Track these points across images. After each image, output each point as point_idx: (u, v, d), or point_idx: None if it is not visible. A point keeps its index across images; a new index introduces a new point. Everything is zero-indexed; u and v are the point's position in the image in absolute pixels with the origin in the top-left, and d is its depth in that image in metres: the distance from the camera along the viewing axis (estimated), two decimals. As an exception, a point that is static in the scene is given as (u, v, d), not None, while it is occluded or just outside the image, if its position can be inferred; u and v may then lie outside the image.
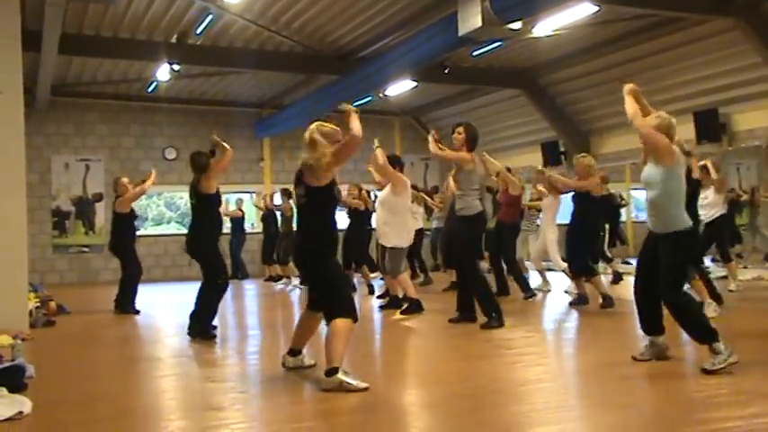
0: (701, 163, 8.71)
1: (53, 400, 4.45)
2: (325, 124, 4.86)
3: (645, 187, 5.05)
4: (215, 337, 6.69)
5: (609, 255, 11.79)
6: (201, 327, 6.66)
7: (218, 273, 6.82)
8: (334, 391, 4.38)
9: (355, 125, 4.77)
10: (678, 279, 4.97)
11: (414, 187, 12.41)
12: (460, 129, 7.07)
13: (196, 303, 6.80)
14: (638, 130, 4.92)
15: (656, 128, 4.88)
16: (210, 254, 6.84)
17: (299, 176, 4.81)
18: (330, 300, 4.74)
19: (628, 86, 5.06)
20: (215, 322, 6.87)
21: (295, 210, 12.53)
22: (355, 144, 4.77)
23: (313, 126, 4.84)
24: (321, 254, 4.78)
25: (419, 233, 11.73)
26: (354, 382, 4.45)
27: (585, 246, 8.42)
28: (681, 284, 5.06)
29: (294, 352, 5.11)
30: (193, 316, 6.78)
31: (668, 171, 4.87)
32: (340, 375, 4.45)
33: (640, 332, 6.90)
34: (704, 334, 4.78)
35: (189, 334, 6.67)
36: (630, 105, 4.96)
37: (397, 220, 8.23)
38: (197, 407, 4.37)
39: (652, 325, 5.11)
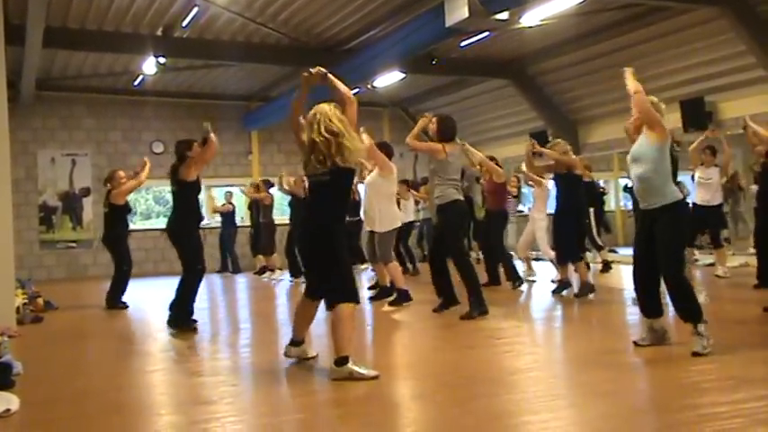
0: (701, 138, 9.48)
1: (41, 397, 4.43)
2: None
3: (632, 163, 5.13)
4: (195, 326, 6.68)
5: (600, 243, 11.82)
6: (181, 316, 6.66)
7: (195, 259, 6.81)
8: (344, 381, 4.40)
9: (341, 86, 4.86)
10: (679, 252, 5.08)
11: (405, 182, 12.54)
12: (434, 119, 7.30)
13: (176, 294, 6.84)
14: (637, 101, 5.04)
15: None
16: (188, 240, 6.83)
17: (324, 156, 4.63)
18: (333, 282, 4.67)
19: (629, 69, 5.18)
20: (195, 316, 6.88)
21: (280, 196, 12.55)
22: (354, 104, 4.83)
23: (331, 112, 4.72)
24: (330, 230, 4.69)
25: (408, 226, 11.83)
26: (365, 371, 4.46)
27: (573, 230, 8.44)
28: (682, 258, 5.18)
29: (296, 342, 5.09)
30: (173, 307, 6.83)
31: (659, 147, 5.02)
32: (350, 365, 4.45)
33: (631, 319, 7.00)
34: (695, 314, 4.88)
35: (168, 324, 6.68)
36: (633, 82, 5.08)
37: (384, 203, 8.25)
38: (187, 401, 4.36)
39: (652, 308, 5.16)
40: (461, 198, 7.27)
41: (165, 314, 6.93)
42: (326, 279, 4.75)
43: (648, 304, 5.16)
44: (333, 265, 4.70)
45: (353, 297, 4.67)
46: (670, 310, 5.20)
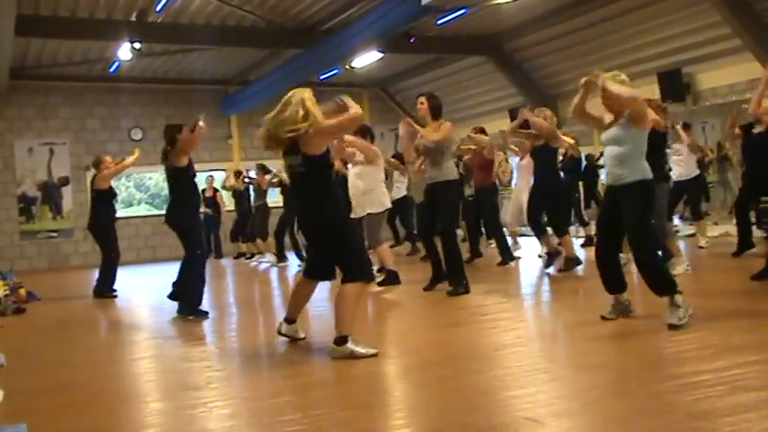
0: (677, 127, 9.07)
1: (26, 388, 4.40)
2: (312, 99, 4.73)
3: (610, 144, 5.13)
4: (207, 314, 6.70)
5: (585, 218, 11.87)
6: (193, 306, 6.67)
7: (196, 244, 6.79)
8: (331, 361, 4.42)
9: (356, 105, 4.76)
10: (647, 228, 5.03)
11: (399, 158, 12.42)
12: (422, 99, 7.22)
13: (179, 274, 6.85)
14: (629, 100, 4.94)
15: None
16: (188, 224, 6.81)
17: (291, 147, 4.66)
18: (343, 260, 4.69)
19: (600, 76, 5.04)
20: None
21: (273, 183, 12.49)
22: (358, 120, 4.80)
23: (306, 94, 4.66)
24: (327, 217, 4.69)
25: (403, 201, 11.75)
26: (364, 350, 4.49)
27: (541, 205, 8.37)
28: (650, 234, 5.11)
29: (290, 320, 5.11)
30: (176, 285, 6.86)
31: (640, 132, 5.02)
32: (350, 345, 4.48)
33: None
34: (667, 286, 4.86)
35: (179, 313, 6.69)
36: (616, 86, 4.94)
37: (371, 188, 8.20)
38: (174, 388, 4.36)
39: (615, 283, 5.19)
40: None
41: (160, 304, 6.89)
42: (335, 258, 4.77)
43: (611, 280, 5.18)
44: (338, 244, 4.70)
45: (363, 274, 4.69)
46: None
